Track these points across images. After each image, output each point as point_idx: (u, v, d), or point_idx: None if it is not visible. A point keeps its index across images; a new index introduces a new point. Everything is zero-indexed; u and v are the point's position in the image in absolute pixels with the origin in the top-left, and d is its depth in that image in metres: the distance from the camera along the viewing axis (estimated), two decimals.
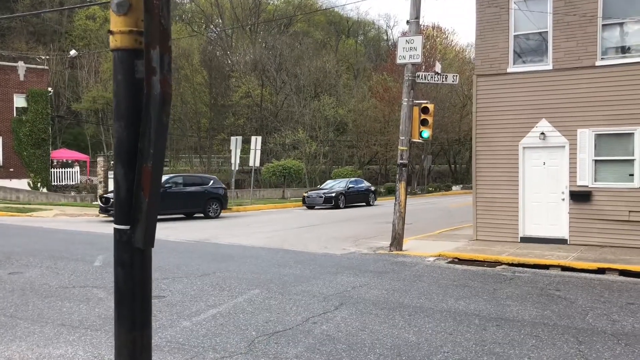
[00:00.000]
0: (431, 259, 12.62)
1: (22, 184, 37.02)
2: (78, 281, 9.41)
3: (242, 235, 16.86)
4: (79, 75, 54.60)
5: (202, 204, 22.88)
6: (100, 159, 31.26)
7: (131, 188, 1.97)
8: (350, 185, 31.49)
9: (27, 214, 22.32)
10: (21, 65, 38.87)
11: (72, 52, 40.92)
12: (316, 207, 29.73)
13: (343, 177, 41.18)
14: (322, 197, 29.51)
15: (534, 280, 10.21)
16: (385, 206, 29.29)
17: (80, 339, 6.36)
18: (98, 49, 54.74)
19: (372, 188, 33.53)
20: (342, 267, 11.37)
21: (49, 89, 40.59)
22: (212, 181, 23.93)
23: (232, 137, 32.71)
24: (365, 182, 34.07)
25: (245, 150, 37.90)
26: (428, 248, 13.94)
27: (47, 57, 45.92)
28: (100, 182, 30.82)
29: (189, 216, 23.21)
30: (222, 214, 24.00)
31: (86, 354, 5.88)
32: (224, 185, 24.80)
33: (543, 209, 14.34)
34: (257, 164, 33.21)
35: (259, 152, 32.65)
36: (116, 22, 1.98)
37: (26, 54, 49.87)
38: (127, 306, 2.02)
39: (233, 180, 32.56)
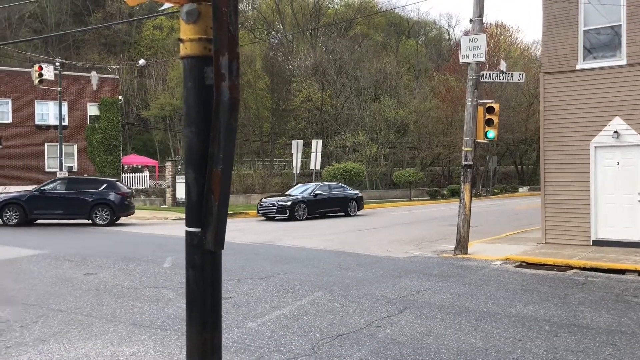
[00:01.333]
0: (498, 262, 12.28)
1: None
2: (148, 282, 9.74)
3: (304, 237, 16.99)
4: (147, 84, 56.75)
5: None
6: (168, 164, 32.30)
7: (202, 192, 2.01)
8: (317, 192, 25.36)
9: None
10: (94, 75, 40.76)
11: (141, 62, 42.55)
12: (273, 218, 24.01)
13: (405, 179, 40.77)
14: (274, 206, 23.82)
15: (609, 285, 9.75)
16: (371, 215, 26.57)
17: (151, 338, 6.58)
18: (165, 58, 56.69)
19: (356, 194, 27.36)
20: (405, 270, 11.24)
21: (120, 97, 42.39)
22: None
23: (293, 141, 33.08)
24: (346, 187, 28.02)
25: (306, 154, 38.24)
26: (494, 251, 13.58)
27: (118, 66, 47.95)
28: (168, 187, 31.84)
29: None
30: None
31: (156, 353, 6.07)
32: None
33: (617, 211, 13.67)
34: (318, 167, 33.41)
35: (319, 155, 32.85)
36: (186, 30, 2.03)
37: (98, 64, 52.28)
38: (198, 308, 2.06)
39: (295, 183, 32.86)
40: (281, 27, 60.17)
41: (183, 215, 23.79)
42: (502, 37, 50.96)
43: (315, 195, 25.15)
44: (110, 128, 40.55)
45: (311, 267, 11.55)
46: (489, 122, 13.58)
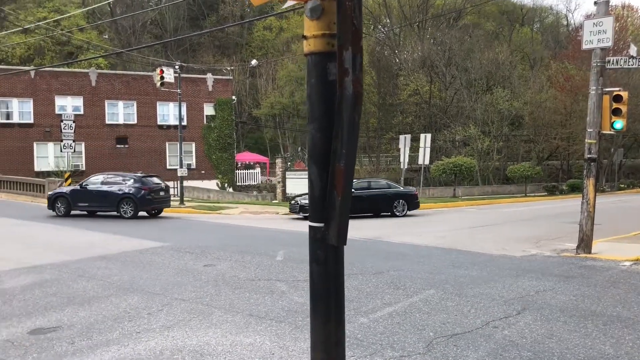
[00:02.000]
0: (627, 263, 11.37)
1: (212, 184, 40.86)
2: (263, 274, 10.07)
3: (413, 234, 16.76)
4: (258, 83, 58.78)
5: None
6: (278, 161, 33.23)
7: (325, 187, 2.02)
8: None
9: (217, 211, 24.53)
10: (209, 77, 42.91)
11: (253, 62, 44.13)
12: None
13: (520, 174, 38.93)
14: (298, 204, 22.63)
15: None
16: (484, 212, 24.93)
17: (266, 329, 6.79)
18: (274, 58, 58.36)
19: (406, 192, 23.86)
20: (522, 269, 10.73)
21: (233, 97, 44.29)
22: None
23: (400, 136, 32.74)
24: (393, 184, 24.56)
25: (414, 148, 37.67)
26: (622, 251, 12.58)
27: (232, 67, 50.09)
28: (278, 182, 32.77)
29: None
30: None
31: (272, 344, 6.25)
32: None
33: None
34: (427, 161, 32.82)
35: (428, 150, 32.26)
36: (310, 27, 2.04)
37: (213, 66, 54.91)
38: (322, 302, 2.08)
39: (402, 178, 32.54)
40: (388, 20, 59.72)
41: None
42: (630, 19, 47.08)
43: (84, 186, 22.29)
44: (225, 127, 42.49)
45: (422, 264, 11.36)
46: (616, 112, 12.58)
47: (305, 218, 21.86)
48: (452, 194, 37.69)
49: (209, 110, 42.35)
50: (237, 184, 43.46)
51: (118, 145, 39.66)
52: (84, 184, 22.35)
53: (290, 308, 7.72)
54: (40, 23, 46.19)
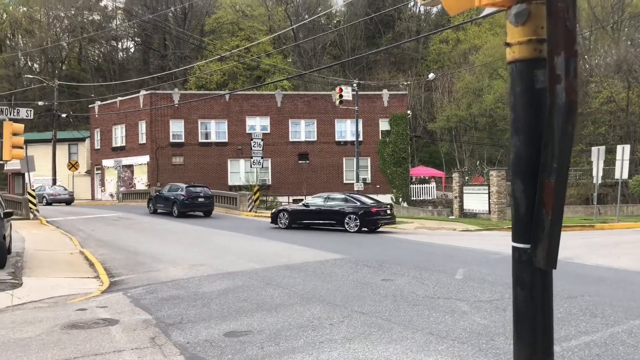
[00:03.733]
0: None
1: (386, 198, 41.13)
2: (442, 292, 9.81)
3: (609, 255, 15.12)
4: (434, 97, 58.19)
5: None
6: (455, 175, 32.42)
7: (531, 205, 1.86)
8: (310, 202, 23.27)
9: (392, 226, 24.59)
10: (385, 93, 43.54)
11: (431, 75, 43.86)
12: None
13: None
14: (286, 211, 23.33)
15: None
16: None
17: (448, 350, 6.56)
18: (451, 70, 57.37)
19: (362, 209, 21.65)
20: None
21: (408, 112, 44.39)
22: None
23: (593, 148, 29.92)
24: (350, 197, 22.86)
25: (607, 161, 34.19)
26: None
27: (408, 83, 50.29)
28: (455, 197, 31.94)
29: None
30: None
31: None
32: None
33: None
34: (625, 176, 29.56)
35: (627, 163, 29.03)
36: (514, 33, 1.91)
37: (389, 82, 55.67)
38: (528, 331, 1.91)
39: (595, 194, 29.68)
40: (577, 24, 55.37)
41: (471, 227, 23.55)
42: None
43: (307, 205, 23.18)
44: (400, 141, 42.69)
45: (622, 290, 10.17)
46: None
47: (286, 228, 22.60)
48: None
49: (384, 125, 42.92)
50: (412, 198, 43.28)
51: (300, 161, 41.95)
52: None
53: (472, 329, 7.39)
54: (234, 51, 50.90)
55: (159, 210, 29.79)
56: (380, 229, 22.38)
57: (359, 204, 22.01)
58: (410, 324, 7.72)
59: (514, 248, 1.94)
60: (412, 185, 44.39)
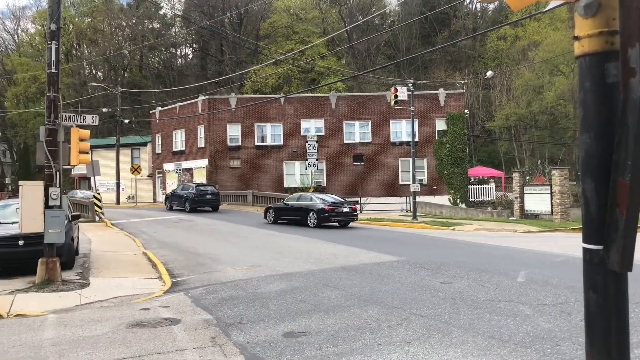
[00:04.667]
0: None
1: (443, 200, 40.55)
2: (503, 295, 9.56)
3: None
4: (492, 95, 56.86)
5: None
6: (515, 175, 31.58)
7: (603, 204, 1.78)
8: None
9: (450, 227, 24.20)
10: (441, 92, 42.89)
11: (489, 73, 42.86)
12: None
13: None
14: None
15: None
16: None
17: (510, 354, 6.38)
18: (509, 67, 55.93)
19: (318, 205, 24.65)
20: None
21: (465, 111, 43.55)
22: None
23: None
24: (315, 197, 25.85)
25: None
26: None
27: (464, 81, 49.37)
28: (515, 198, 31.10)
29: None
30: None
31: None
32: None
33: None
34: None
35: None
36: (582, 26, 1.83)
37: (445, 81, 54.82)
38: (600, 335, 1.82)
39: None
40: None
41: (533, 228, 22.88)
42: None
43: (286, 203, 26.79)
44: (457, 141, 41.95)
45: None
46: None
47: (272, 223, 25.95)
48: None
49: (440, 125, 42.28)
50: (470, 199, 42.42)
51: (355, 163, 41.88)
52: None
53: (536, 334, 7.16)
54: (288, 54, 51.40)
55: (174, 207, 34.26)
56: (436, 231, 22.06)
57: (318, 202, 24.87)
58: (471, 327, 7.56)
59: (584, 249, 1.85)
60: (470, 186, 43.50)
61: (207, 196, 33.28)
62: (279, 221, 26.02)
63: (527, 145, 55.55)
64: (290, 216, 25.60)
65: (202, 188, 34.01)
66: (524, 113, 52.61)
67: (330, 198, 25.61)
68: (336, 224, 24.80)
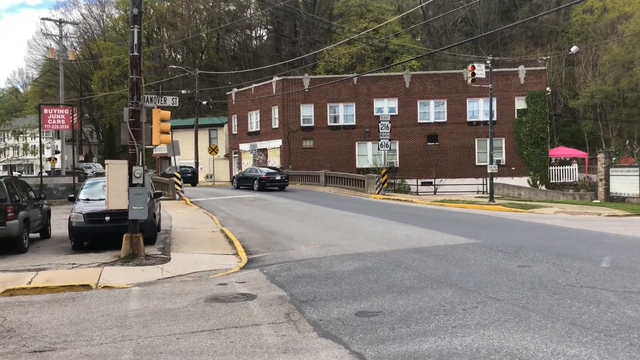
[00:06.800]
0: None
1: (522, 181, 39.13)
2: (585, 281, 9.15)
3: None
4: (576, 72, 53.96)
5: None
6: (600, 156, 29.98)
7: None
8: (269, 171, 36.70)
9: (529, 210, 23.35)
10: (521, 69, 41.16)
11: (574, 49, 40.63)
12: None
13: None
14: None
15: None
16: None
17: (593, 342, 6.12)
18: (596, 42, 52.81)
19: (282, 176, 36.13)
20: None
21: (547, 88, 41.60)
22: None
23: None
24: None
25: None
26: None
27: (546, 57, 47.10)
28: (600, 180, 29.57)
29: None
30: None
31: (601, 359, 5.60)
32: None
33: None
34: None
35: None
36: None
37: (525, 57, 52.54)
38: None
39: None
40: None
41: (618, 212, 21.76)
42: None
43: (243, 174, 38.47)
44: (538, 121, 40.27)
45: None
46: None
47: (236, 188, 37.04)
48: None
49: (520, 104, 40.66)
50: (551, 181, 40.69)
51: (429, 143, 41.13)
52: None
53: (621, 322, 6.81)
54: (362, 33, 50.88)
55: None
56: (514, 214, 21.35)
57: (260, 173, 35.55)
58: (550, 313, 7.30)
59: None
60: (551, 167, 41.70)
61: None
62: (240, 187, 36.58)
63: (614, 124, 52.46)
64: (245, 183, 35.97)
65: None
66: (611, 90, 49.61)
67: (267, 169, 36.41)
68: (276, 187, 34.28)
